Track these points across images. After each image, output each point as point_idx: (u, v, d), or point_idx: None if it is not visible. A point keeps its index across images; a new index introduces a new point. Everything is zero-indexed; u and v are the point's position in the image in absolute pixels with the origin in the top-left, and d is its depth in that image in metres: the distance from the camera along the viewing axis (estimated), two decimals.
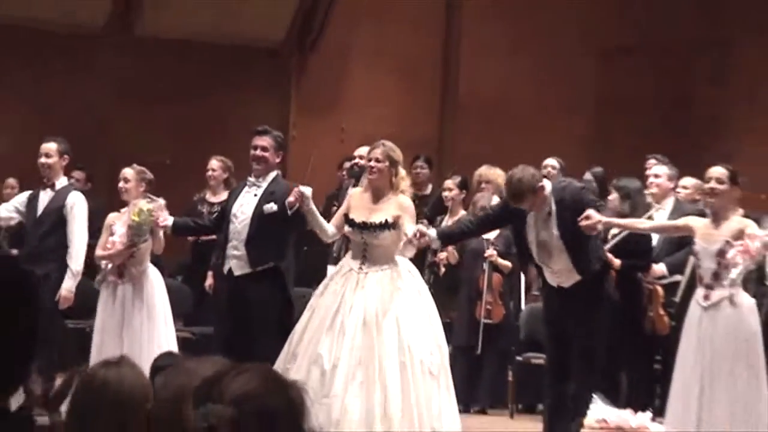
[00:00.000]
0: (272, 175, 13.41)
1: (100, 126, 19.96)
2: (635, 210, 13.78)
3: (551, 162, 16.43)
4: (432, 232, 12.70)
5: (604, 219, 11.90)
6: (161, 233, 13.67)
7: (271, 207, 13.14)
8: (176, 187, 16.73)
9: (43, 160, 14.13)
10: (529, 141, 20.98)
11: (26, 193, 14.69)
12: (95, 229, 14.20)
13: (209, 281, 15.29)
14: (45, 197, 14.25)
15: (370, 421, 12.40)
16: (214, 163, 16.26)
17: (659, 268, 13.76)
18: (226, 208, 13.75)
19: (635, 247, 13.69)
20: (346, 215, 12.75)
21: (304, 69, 22.26)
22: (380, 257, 12.47)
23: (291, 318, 13.59)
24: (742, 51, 23.11)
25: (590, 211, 11.56)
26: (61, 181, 14.47)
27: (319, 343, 12.54)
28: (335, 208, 15.34)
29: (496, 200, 14.67)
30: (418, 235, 12.13)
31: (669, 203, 14.33)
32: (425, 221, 14.62)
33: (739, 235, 11.73)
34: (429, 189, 17.63)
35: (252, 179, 13.35)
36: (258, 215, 13.18)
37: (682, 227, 12.27)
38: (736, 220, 11.86)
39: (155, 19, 20.65)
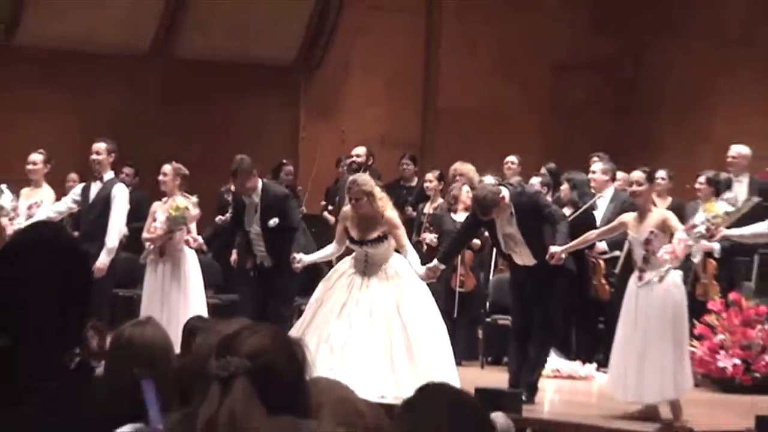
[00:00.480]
0: (259, 188, 14.92)
1: (146, 129, 21.17)
2: (582, 197, 15.65)
3: (512, 159, 17.99)
4: (436, 263, 13.78)
5: (564, 247, 13.02)
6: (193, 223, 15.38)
7: (274, 221, 14.75)
8: (203, 180, 17.79)
9: (93, 156, 15.58)
10: (495, 140, 22.33)
11: (81, 185, 16.26)
12: (142, 215, 15.83)
13: (234, 257, 17.02)
14: (95, 188, 15.70)
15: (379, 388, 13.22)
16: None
17: (601, 245, 15.37)
18: (238, 213, 15.37)
19: (585, 222, 15.03)
20: (347, 232, 14.03)
21: (311, 82, 23.40)
22: (379, 260, 13.79)
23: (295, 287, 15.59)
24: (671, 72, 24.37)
25: (552, 249, 12.77)
26: (108, 175, 15.87)
27: (328, 326, 13.58)
28: (331, 207, 18.35)
29: (466, 189, 16.27)
30: (429, 274, 13.53)
31: (609, 192, 15.96)
32: (410, 208, 17.18)
33: (661, 225, 12.68)
34: (414, 181, 19.48)
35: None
36: (265, 229, 14.76)
37: (617, 226, 13.15)
38: (657, 212, 12.90)
39: (190, 42, 22.17)
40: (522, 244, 13.39)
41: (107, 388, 4.41)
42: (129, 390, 4.29)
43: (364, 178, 14.23)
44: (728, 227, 13.36)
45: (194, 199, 15.19)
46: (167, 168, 15.25)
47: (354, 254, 14.10)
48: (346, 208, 14.35)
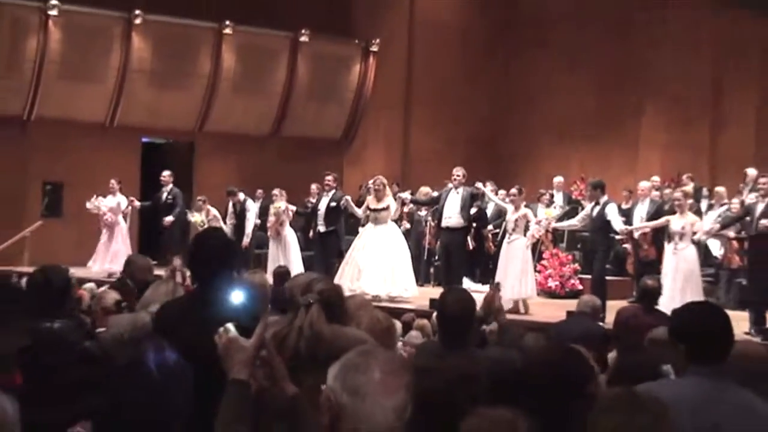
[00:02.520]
0: (332, 191, 18.65)
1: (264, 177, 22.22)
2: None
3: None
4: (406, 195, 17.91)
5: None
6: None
7: (333, 204, 18.55)
8: (291, 195, 19.76)
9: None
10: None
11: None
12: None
13: (312, 234, 19.26)
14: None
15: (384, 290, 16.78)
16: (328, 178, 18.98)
17: (490, 226, 19.70)
18: (316, 204, 19.08)
19: (480, 216, 19.29)
20: (367, 206, 17.83)
21: (348, 150, 25.84)
22: (381, 221, 17.53)
23: (340, 250, 18.81)
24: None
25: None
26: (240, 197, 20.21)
27: (356, 260, 17.44)
28: (361, 202, 19.77)
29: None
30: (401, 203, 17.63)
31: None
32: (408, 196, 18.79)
33: (524, 216, 16.44)
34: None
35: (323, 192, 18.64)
36: (325, 209, 18.51)
37: (519, 218, 16.40)
38: (523, 210, 16.46)
39: (289, 126, 24.37)
40: (457, 211, 17.39)
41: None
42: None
43: (383, 179, 17.84)
44: (558, 221, 17.97)
45: (284, 204, 19.00)
46: (276, 191, 19.41)
47: (370, 218, 17.82)
48: (370, 197, 17.95)
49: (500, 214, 18.94)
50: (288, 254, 19.31)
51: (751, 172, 19.17)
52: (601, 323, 10.76)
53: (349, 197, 18.84)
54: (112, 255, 19.52)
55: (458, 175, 17.66)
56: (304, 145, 24.33)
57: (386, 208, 17.49)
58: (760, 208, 14.63)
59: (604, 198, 16.09)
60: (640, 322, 9.48)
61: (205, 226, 18.47)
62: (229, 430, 3.53)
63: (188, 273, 7.14)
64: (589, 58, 25.23)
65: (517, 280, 16.10)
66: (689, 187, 19.27)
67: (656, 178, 19.77)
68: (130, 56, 21.92)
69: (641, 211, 17.87)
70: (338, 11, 24.71)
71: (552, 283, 18.70)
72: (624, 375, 6.00)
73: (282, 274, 12.57)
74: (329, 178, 18.95)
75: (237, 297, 3.91)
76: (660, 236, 16.99)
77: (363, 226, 18.31)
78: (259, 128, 24.10)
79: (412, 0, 26.29)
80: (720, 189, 19.30)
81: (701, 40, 23.60)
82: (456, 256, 17.81)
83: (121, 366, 3.68)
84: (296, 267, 17.98)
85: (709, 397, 4.26)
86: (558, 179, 20.29)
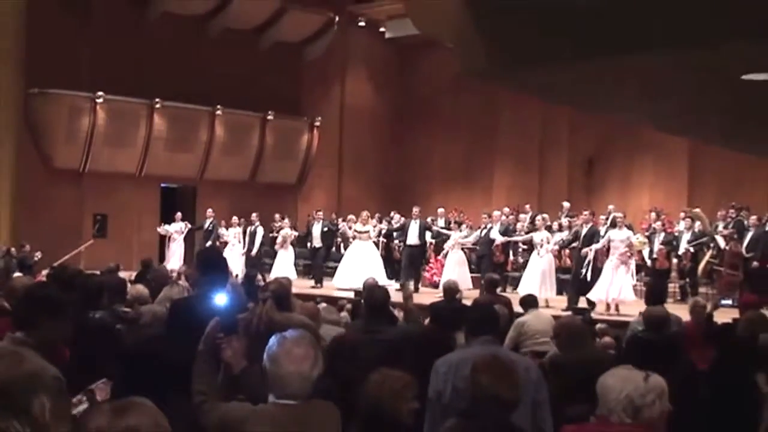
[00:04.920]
0: (321, 221, 19.46)
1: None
2: None
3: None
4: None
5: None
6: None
7: (325, 229, 19.40)
8: (263, 221, 20.36)
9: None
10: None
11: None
12: None
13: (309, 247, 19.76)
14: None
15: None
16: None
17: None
18: (310, 229, 19.78)
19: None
20: (355, 229, 18.07)
21: (300, 192, 25.40)
22: (364, 239, 17.92)
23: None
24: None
25: None
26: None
27: (347, 263, 17.88)
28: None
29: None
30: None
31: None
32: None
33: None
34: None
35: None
36: (320, 232, 19.36)
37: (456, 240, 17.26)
38: (454, 234, 17.39)
39: (261, 175, 24.10)
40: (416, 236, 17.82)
41: None
42: None
43: (367, 213, 18.69)
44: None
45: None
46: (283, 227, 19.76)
47: (357, 237, 18.23)
48: (357, 223, 18.32)
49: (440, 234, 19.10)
50: (288, 260, 19.33)
51: (566, 204, 19.46)
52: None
53: (343, 226, 19.28)
54: (177, 259, 19.88)
55: (416, 212, 18.18)
56: (271, 188, 24.26)
57: (367, 231, 18.02)
58: (583, 231, 15.13)
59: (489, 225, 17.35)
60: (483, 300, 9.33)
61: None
62: (195, 385, 3.46)
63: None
64: (461, 124, 25.60)
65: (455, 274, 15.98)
66: (532, 214, 19.24)
67: (506, 209, 19.74)
68: (152, 129, 21.85)
69: (495, 230, 17.96)
70: (292, 99, 24.51)
71: (437, 279, 18.09)
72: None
73: (250, 277, 12.47)
74: (320, 213, 20.01)
75: (220, 300, 3.82)
76: (510, 246, 17.62)
77: (352, 240, 18.54)
78: (241, 177, 23.91)
79: (342, 91, 26.34)
80: (545, 215, 18.90)
81: (532, 117, 23.71)
82: (416, 261, 18.08)
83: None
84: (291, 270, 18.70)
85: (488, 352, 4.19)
86: (441, 210, 20.13)
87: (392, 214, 19.76)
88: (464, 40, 4.84)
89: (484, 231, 17.43)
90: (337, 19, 24.40)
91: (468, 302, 8.90)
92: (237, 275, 14.01)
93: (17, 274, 13.53)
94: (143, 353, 3.50)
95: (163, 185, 23.17)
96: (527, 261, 16.66)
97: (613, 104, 7.41)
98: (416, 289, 15.75)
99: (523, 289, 14.70)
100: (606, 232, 14.73)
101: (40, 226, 19.54)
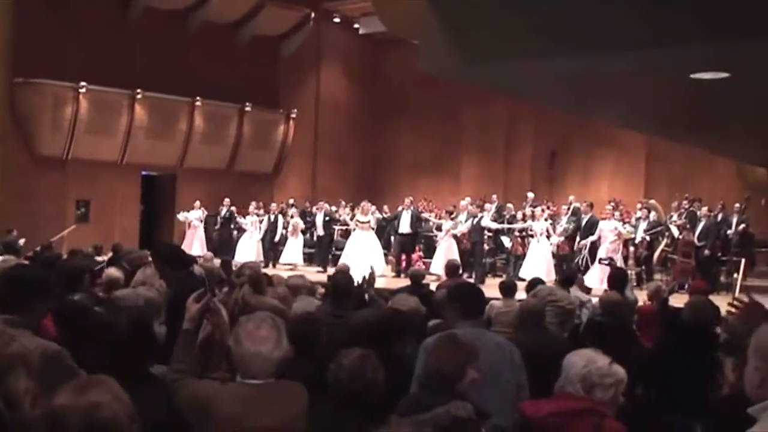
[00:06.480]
0: (323, 210, 19.72)
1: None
2: None
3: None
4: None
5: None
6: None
7: (327, 218, 19.70)
8: (240, 208, 21.18)
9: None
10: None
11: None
12: None
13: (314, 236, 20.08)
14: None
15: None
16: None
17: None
18: (314, 218, 19.96)
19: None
20: (357, 219, 18.17)
21: (276, 181, 25.19)
22: (365, 228, 17.91)
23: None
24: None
25: None
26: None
27: (350, 250, 17.78)
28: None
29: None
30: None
31: None
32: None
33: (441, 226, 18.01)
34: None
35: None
36: (322, 221, 19.74)
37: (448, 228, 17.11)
38: (447, 223, 18.30)
39: (239, 164, 24.26)
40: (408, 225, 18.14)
41: None
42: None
43: (369, 204, 18.63)
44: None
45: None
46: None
47: (358, 226, 18.32)
48: (359, 213, 18.56)
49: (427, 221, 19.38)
50: (298, 247, 19.83)
51: (530, 195, 19.69)
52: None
53: (346, 218, 19.73)
54: (199, 244, 20.41)
55: (407, 202, 18.81)
56: (248, 176, 24.09)
57: (368, 221, 18.05)
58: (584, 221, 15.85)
59: (480, 214, 17.32)
60: (445, 284, 9.36)
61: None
62: (174, 364, 3.45)
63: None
64: (431, 118, 25.60)
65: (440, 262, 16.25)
66: (497, 205, 19.24)
67: (468, 199, 19.65)
68: (134, 119, 21.61)
69: (462, 218, 17.96)
70: (270, 91, 24.36)
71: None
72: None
73: (225, 263, 12.45)
74: (324, 203, 20.16)
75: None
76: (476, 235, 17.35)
77: (353, 230, 18.58)
78: (219, 165, 23.75)
79: (317, 85, 26.22)
80: (510, 205, 19.36)
81: (498, 111, 23.89)
82: (408, 248, 18.49)
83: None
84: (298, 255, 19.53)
85: (472, 336, 4.29)
86: (409, 199, 19.83)
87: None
88: (428, 38, 4.85)
89: (475, 220, 17.49)
90: (313, 14, 24.37)
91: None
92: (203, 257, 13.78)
93: (4, 257, 13.47)
94: (119, 333, 3.46)
95: (143, 173, 22.91)
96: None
97: (571, 101, 7.45)
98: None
99: (527, 274, 14.62)
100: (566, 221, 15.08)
101: (25, 211, 19.40)
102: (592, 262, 15.13)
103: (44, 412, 2.18)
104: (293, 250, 19.58)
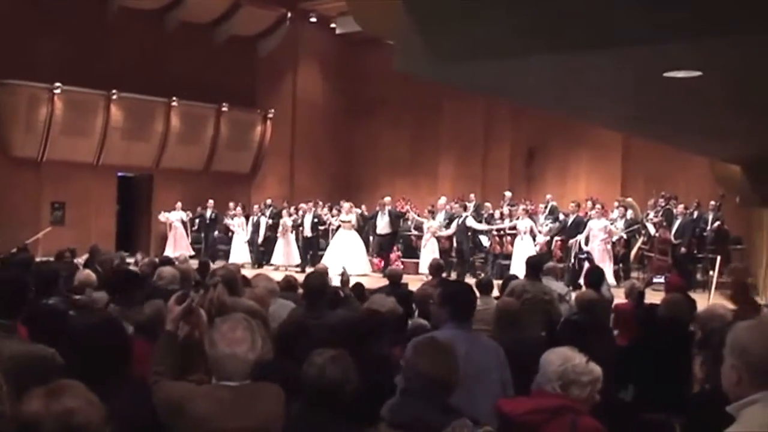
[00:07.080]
0: (312, 212, 19.68)
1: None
2: None
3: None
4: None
5: None
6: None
7: (315, 220, 19.67)
8: (218, 209, 21.96)
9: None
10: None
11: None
12: None
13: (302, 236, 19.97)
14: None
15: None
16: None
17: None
18: (302, 219, 19.69)
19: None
20: (340, 219, 18.61)
21: (254, 181, 25.12)
22: (347, 228, 18.26)
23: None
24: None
25: None
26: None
27: (334, 249, 18.18)
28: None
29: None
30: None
31: None
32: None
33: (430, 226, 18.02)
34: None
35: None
36: (310, 223, 19.52)
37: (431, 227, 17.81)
38: (428, 222, 18.89)
39: (216, 164, 24.08)
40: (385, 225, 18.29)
41: None
42: None
43: (350, 204, 19.09)
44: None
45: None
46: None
47: (341, 226, 18.70)
48: (343, 213, 18.93)
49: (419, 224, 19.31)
50: (289, 247, 19.69)
51: (507, 193, 19.73)
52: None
53: (329, 217, 19.83)
54: (180, 246, 20.46)
55: (384, 203, 19.14)
56: (225, 177, 24.02)
57: (350, 221, 18.37)
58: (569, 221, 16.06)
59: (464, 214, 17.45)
60: (431, 283, 9.42)
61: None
62: (154, 365, 3.45)
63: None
64: (408, 117, 25.66)
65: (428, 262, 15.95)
66: (475, 203, 19.35)
67: (444, 198, 19.81)
68: (109, 119, 21.53)
69: (440, 217, 18.04)
70: (247, 91, 24.36)
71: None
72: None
73: (203, 264, 12.33)
74: (311, 204, 20.16)
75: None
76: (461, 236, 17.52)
77: (336, 230, 18.91)
78: (196, 166, 23.67)
79: (294, 85, 26.18)
80: (488, 204, 19.41)
81: (476, 110, 23.93)
82: (386, 248, 18.67)
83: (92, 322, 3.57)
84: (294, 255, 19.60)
85: (463, 338, 4.34)
86: (387, 199, 19.86)
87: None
88: (402, 37, 4.85)
89: (460, 220, 17.50)
90: (289, 14, 24.34)
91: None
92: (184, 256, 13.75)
93: None
94: (93, 337, 3.43)
95: (119, 174, 22.82)
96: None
97: (547, 101, 7.49)
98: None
99: (520, 273, 14.65)
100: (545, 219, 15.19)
101: None
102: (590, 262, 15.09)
103: (16, 417, 2.15)
104: (284, 251, 19.50)
